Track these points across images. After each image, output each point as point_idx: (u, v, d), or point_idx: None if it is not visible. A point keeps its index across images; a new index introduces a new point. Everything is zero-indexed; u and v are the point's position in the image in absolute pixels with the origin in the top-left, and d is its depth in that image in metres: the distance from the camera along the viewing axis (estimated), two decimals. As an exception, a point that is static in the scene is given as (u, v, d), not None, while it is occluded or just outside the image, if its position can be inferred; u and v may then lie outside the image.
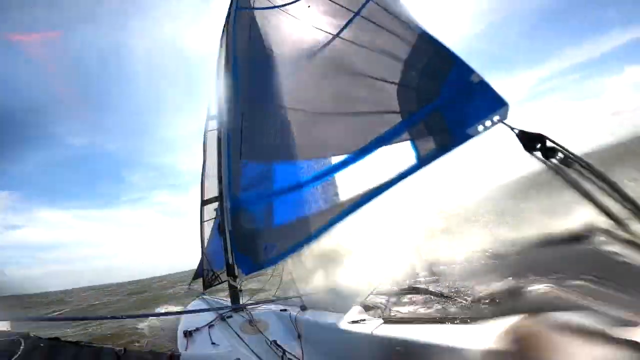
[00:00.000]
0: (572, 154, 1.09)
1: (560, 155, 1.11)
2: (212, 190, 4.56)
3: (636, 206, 0.94)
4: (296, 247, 3.07)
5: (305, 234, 3.03)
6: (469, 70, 1.66)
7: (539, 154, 1.18)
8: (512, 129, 1.33)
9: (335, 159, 2.78)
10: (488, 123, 1.47)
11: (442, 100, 1.77)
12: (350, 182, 2.54)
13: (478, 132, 1.51)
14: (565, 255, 1.97)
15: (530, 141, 1.20)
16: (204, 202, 5.22)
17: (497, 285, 2.00)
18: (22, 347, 1.37)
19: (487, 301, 1.88)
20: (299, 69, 3.24)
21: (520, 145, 1.24)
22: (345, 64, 2.70)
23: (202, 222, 5.41)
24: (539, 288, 1.70)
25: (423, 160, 1.84)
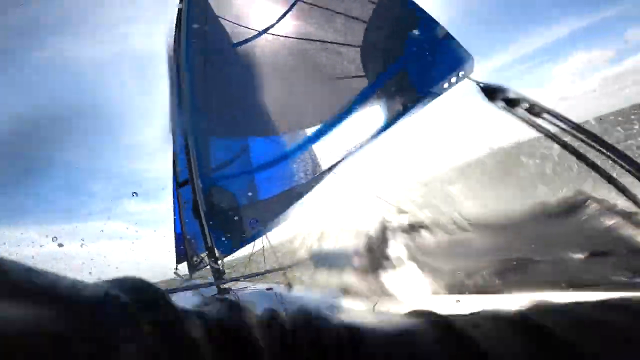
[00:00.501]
0: (535, 102, 1.06)
1: (524, 105, 1.08)
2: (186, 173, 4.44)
3: (600, 141, 0.93)
4: (279, 220, 3.06)
5: (287, 205, 3.04)
6: (434, 24, 1.59)
7: (502, 104, 1.14)
8: (478, 83, 1.28)
9: (311, 130, 2.73)
10: (453, 79, 1.41)
11: (407, 58, 1.71)
12: (327, 150, 2.50)
13: (444, 89, 1.45)
14: (559, 226, 1.96)
15: (494, 92, 1.16)
16: (179, 185, 5.07)
17: (482, 259, 1.95)
18: None
19: (469, 274, 1.83)
20: (262, 40, 3.11)
21: (485, 98, 1.20)
22: (308, 32, 2.59)
23: (180, 204, 5.28)
24: (527, 262, 1.66)
25: (391, 119, 1.78)
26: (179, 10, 4.06)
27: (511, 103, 1.11)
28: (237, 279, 3.31)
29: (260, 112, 3.19)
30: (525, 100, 1.08)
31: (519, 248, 1.87)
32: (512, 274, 1.63)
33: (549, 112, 1.03)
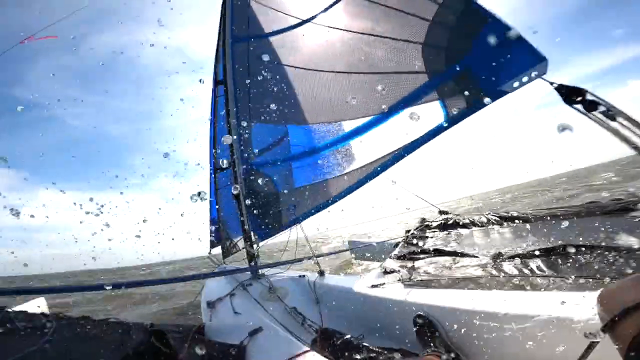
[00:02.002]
0: (613, 105, 1.08)
1: (601, 108, 1.10)
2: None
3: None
4: (317, 208, 3.12)
5: (326, 195, 3.09)
6: (504, 27, 1.60)
7: (580, 107, 1.16)
8: (552, 83, 1.31)
9: (357, 122, 2.77)
10: (525, 79, 1.43)
11: (473, 58, 1.72)
12: (375, 143, 2.54)
13: (514, 88, 1.48)
14: (611, 225, 1.92)
15: (571, 94, 1.18)
16: (217, 170, 5.21)
17: (529, 252, 1.94)
18: (53, 327, 1.40)
19: (515, 267, 1.82)
20: (315, 28, 3.15)
21: (561, 98, 1.22)
22: (366, 25, 2.62)
23: (217, 189, 5.43)
24: (578, 258, 1.64)
25: (453, 119, 1.81)
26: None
27: (588, 105, 1.13)
28: (271, 265, 3.39)
29: (307, 102, 3.23)
30: (603, 102, 1.10)
31: (566, 243, 1.85)
32: (556, 269, 1.61)
33: (626, 116, 1.04)
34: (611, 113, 1.08)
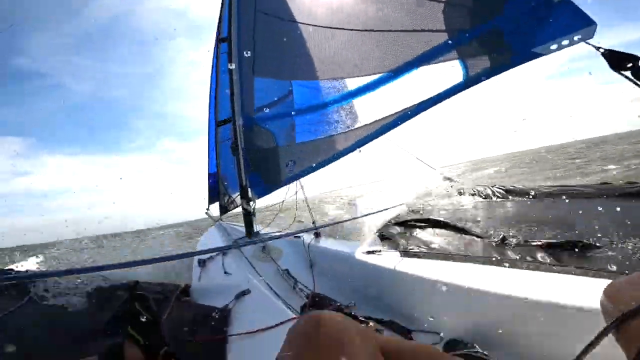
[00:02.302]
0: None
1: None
2: (226, 113, 4.39)
3: None
4: (317, 165, 3.03)
5: (328, 153, 2.96)
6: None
7: (628, 73, 1.00)
8: (598, 48, 1.13)
9: (365, 79, 2.58)
10: (565, 42, 1.24)
11: (505, 18, 1.50)
12: (384, 101, 2.36)
13: (550, 51, 1.29)
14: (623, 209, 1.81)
15: (620, 61, 1.01)
16: (219, 123, 5.06)
17: (536, 233, 1.84)
18: (38, 286, 1.37)
19: (519, 254, 1.72)
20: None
21: (608, 64, 1.05)
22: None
23: (217, 143, 5.30)
24: (584, 243, 1.53)
25: (471, 80, 1.63)
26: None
27: (638, 72, 0.97)
28: (271, 237, 3.32)
29: (311, 56, 3.01)
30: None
31: (578, 228, 1.76)
32: (567, 254, 1.53)
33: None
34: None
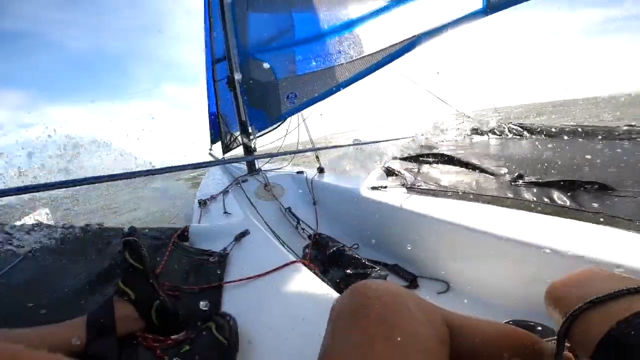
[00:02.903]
0: None
1: None
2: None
3: None
4: (320, 96, 2.89)
5: (331, 83, 2.82)
6: None
7: None
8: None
9: (371, 5, 2.31)
10: None
11: None
12: (387, 29, 2.12)
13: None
14: None
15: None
16: (216, 61, 4.77)
17: (552, 173, 1.69)
18: (34, 239, 1.33)
19: (534, 186, 1.60)
20: None
21: None
22: None
23: (215, 81, 5.04)
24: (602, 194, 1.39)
25: (493, 7, 1.40)
26: None
27: None
28: (268, 156, 3.17)
29: None
30: None
31: (599, 169, 1.63)
32: (585, 196, 1.39)
33: None
34: None
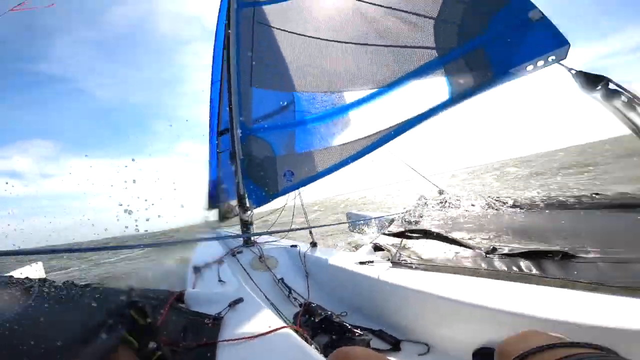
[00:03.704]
0: (637, 97, 0.96)
1: (623, 98, 0.99)
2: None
3: None
4: (315, 176, 3.09)
5: (327, 163, 3.03)
6: (528, 6, 1.45)
7: (598, 95, 1.05)
8: (570, 69, 1.18)
9: (363, 92, 2.65)
10: (540, 62, 1.30)
11: (489, 36, 1.57)
12: (377, 115, 2.43)
13: (526, 72, 1.35)
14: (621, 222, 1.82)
15: (590, 81, 1.06)
16: (220, 133, 5.14)
17: (523, 243, 1.87)
18: (35, 291, 1.41)
19: (507, 257, 1.75)
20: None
21: (578, 86, 1.10)
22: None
23: (218, 152, 5.40)
24: (580, 256, 1.56)
25: (457, 98, 1.70)
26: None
27: (609, 94, 1.01)
28: (264, 233, 3.37)
29: (310, 68, 3.11)
30: (626, 92, 0.98)
31: (565, 237, 1.78)
32: (552, 264, 1.55)
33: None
34: (635, 104, 0.97)
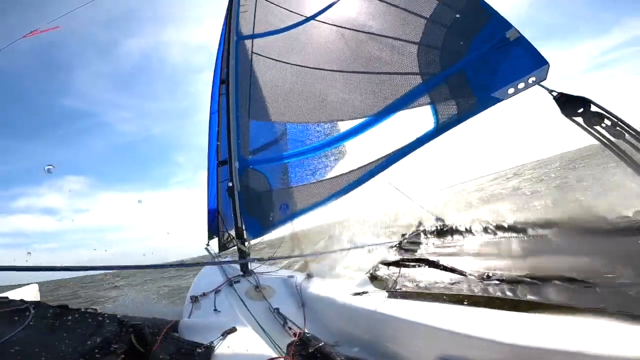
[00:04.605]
0: (622, 121, 0.91)
1: (607, 122, 0.94)
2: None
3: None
4: (311, 207, 3.10)
5: (321, 195, 3.04)
6: (506, 26, 1.44)
7: (580, 119, 1.00)
8: (550, 91, 1.14)
9: (353, 122, 2.67)
10: (521, 85, 1.28)
11: (470, 60, 1.57)
12: (368, 146, 2.43)
13: (508, 95, 1.32)
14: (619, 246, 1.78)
15: (572, 105, 1.02)
16: (220, 163, 5.19)
17: (520, 269, 1.83)
18: (31, 315, 1.45)
19: (502, 284, 1.71)
20: (314, 26, 3.03)
21: (559, 110, 1.06)
22: (364, 22, 2.48)
23: (218, 182, 5.44)
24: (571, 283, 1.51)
25: (442, 127, 1.67)
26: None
27: (592, 117, 0.96)
28: (261, 259, 3.32)
29: (299, 99, 3.16)
30: (609, 115, 0.93)
31: (563, 262, 1.74)
32: (551, 290, 1.51)
33: (635, 133, 0.88)
34: (618, 129, 0.92)
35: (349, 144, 2.73)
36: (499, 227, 2.70)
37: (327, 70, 2.93)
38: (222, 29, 5.36)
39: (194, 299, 2.41)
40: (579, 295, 1.39)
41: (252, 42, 3.69)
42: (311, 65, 3.12)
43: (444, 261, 2.26)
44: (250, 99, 3.60)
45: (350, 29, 2.65)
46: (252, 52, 3.73)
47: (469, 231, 2.83)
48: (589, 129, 0.98)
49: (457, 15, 1.72)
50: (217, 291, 2.60)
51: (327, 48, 2.89)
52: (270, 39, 3.57)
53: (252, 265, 3.58)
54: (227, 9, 4.16)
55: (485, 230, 2.74)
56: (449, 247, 2.62)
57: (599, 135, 0.96)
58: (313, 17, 3.07)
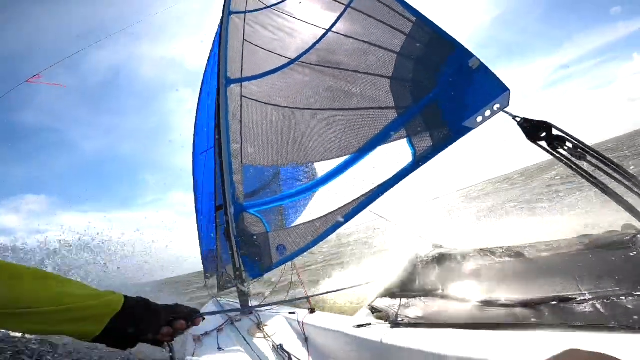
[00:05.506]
0: (582, 143, 0.96)
1: (568, 145, 0.99)
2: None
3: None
4: (306, 247, 3.13)
5: (315, 233, 3.07)
6: (467, 55, 1.53)
7: (544, 143, 1.05)
8: (514, 117, 1.20)
9: (338, 161, 2.76)
10: (487, 113, 1.34)
11: (439, 91, 1.65)
12: (353, 183, 2.50)
13: (477, 124, 1.38)
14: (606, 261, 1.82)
15: (534, 130, 1.07)
16: (218, 208, 5.28)
17: (518, 292, 1.86)
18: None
19: (503, 308, 1.73)
20: (298, 68, 3.17)
21: (524, 135, 1.11)
22: (344, 61, 2.60)
23: (217, 225, 5.49)
24: (570, 302, 1.54)
25: (419, 159, 1.73)
26: (218, 33, 4.24)
27: (554, 141, 1.01)
28: (262, 306, 3.41)
29: (289, 142, 3.26)
30: (570, 139, 0.98)
31: (559, 282, 1.76)
32: (548, 310, 1.53)
33: (597, 154, 0.93)
34: (579, 151, 0.97)
35: (338, 181, 2.81)
36: (493, 252, 2.71)
37: (313, 109, 3.04)
38: (206, 69, 5.54)
39: (197, 338, 2.44)
40: (578, 312, 1.42)
41: (241, 85, 3.83)
42: (297, 106, 3.24)
43: (443, 288, 2.29)
44: (242, 143, 3.68)
45: (330, 67, 2.78)
46: (241, 95, 3.86)
47: (465, 257, 2.84)
48: (553, 152, 1.03)
49: (423, 48, 1.83)
50: (219, 330, 2.65)
51: (310, 88, 3.01)
52: (257, 82, 3.70)
53: (252, 303, 3.62)
54: (211, 50, 4.34)
55: (483, 254, 2.75)
56: (447, 276, 2.63)
57: (563, 158, 1.00)
58: (297, 59, 3.21)
